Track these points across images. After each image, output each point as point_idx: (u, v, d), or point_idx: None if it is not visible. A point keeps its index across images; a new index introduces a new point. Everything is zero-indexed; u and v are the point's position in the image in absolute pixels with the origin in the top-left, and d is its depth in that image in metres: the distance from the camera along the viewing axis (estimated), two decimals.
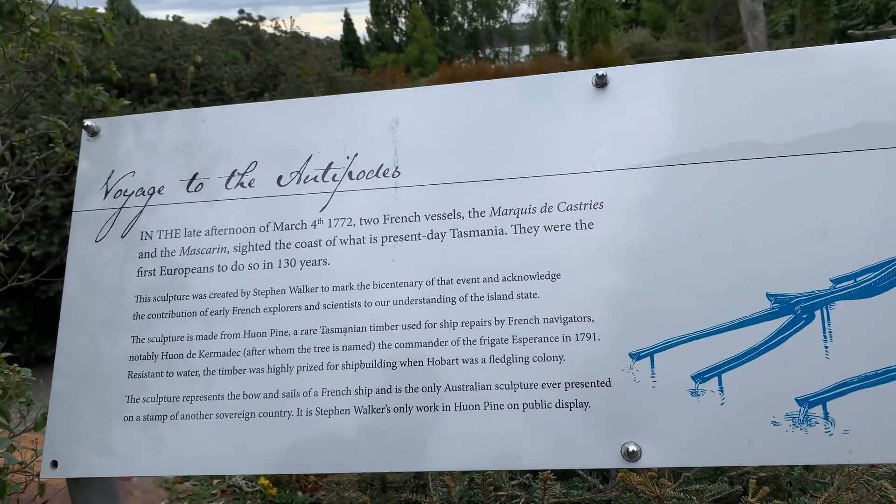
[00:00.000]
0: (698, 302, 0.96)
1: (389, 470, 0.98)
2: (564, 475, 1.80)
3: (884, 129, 0.96)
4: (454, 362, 1.00)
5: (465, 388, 0.99)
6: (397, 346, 1.01)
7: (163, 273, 1.10)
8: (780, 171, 0.98)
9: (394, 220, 1.06)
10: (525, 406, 0.97)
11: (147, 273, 1.11)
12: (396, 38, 48.37)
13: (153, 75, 7.02)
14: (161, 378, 1.06)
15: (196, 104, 7.05)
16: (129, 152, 1.16)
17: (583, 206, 1.02)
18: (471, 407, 0.98)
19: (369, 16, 48.30)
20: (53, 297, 4.91)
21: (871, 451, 0.89)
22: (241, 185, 1.12)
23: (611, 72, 1.05)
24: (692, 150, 1.01)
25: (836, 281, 0.94)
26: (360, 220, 1.07)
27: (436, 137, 1.08)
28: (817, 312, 0.93)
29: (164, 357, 1.06)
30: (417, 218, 1.06)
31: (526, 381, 0.98)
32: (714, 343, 0.95)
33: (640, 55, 22.64)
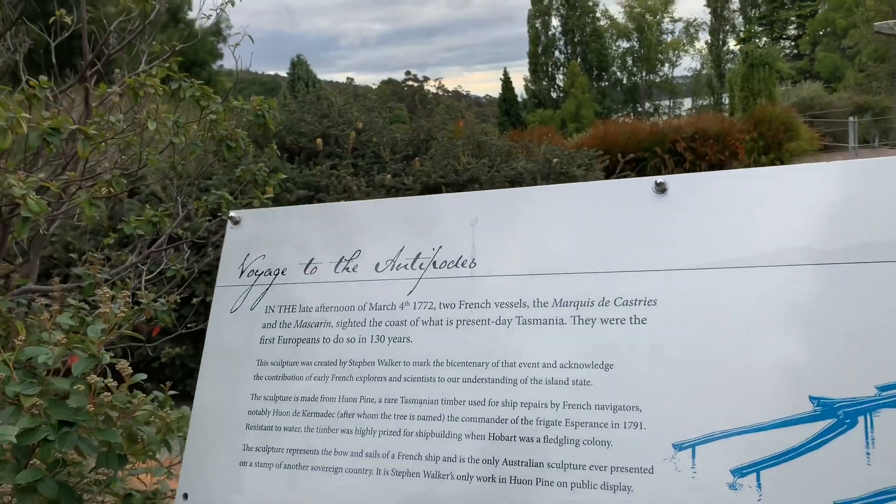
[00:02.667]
0: (742, 399, 1.02)
1: None
2: None
3: None
4: (512, 439, 1.11)
5: (519, 463, 1.10)
6: (463, 419, 1.15)
7: (280, 342, 1.32)
8: (830, 277, 1.02)
9: (468, 305, 1.21)
10: (573, 485, 1.06)
11: (268, 341, 1.33)
12: (553, 95, 49.09)
13: (319, 140, 7.74)
14: (270, 431, 1.26)
15: (355, 166, 7.67)
16: (262, 239, 1.41)
17: (637, 303, 1.11)
18: (524, 481, 1.09)
19: (527, 73, 49.55)
20: None
21: None
22: (347, 269, 1.32)
23: (669, 179, 1.15)
24: (744, 255, 1.08)
25: (882, 388, 0.96)
26: (440, 304, 1.23)
27: (509, 235, 1.22)
28: (860, 418, 0.96)
29: (274, 413, 1.27)
30: (488, 305, 1.20)
31: (576, 462, 1.07)
32: (755, 440, 1.00)
33: (810, 109, 21.37)
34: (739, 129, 16.01)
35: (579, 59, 47.90)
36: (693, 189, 1.15)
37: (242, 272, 1.40)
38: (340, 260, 1.34)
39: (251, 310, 1.37)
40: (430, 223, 1.29)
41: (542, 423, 1.10)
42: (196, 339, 5.95)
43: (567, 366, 1.12)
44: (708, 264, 1.09)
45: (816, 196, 1.06)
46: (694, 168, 14.38)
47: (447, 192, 6.85)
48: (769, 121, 16.02)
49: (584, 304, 1.14)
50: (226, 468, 1.27)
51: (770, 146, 15.47)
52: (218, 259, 4.79)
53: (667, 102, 52.92)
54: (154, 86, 2.33)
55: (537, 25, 48.24)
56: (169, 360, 5.49)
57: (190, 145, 2.55)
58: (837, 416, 0.97)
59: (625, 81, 51.44)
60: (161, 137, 2.34)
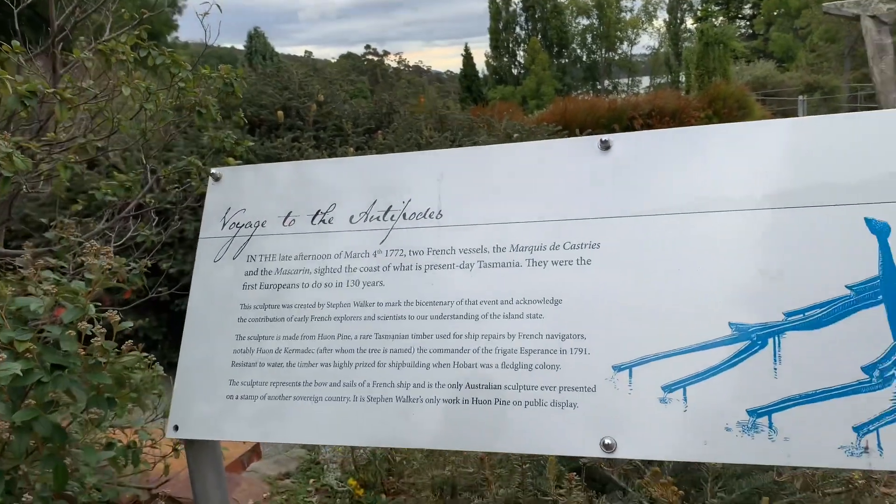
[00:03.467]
0: (672, 327, 1.18)
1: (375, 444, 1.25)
2: (603, 489, 2.00)
3: (835, 189, 1.15)
4: (474, 366, 1.26)
5: (480, 386, 1.25)
6: (431, 351, 1.29)
7: (261, 287, 1.44)
8: (747, 222, 1.19)
9: (435, 252, 1.34)
10: (526, 403, 1.22)
11: (250, 287, 1.45)
12: (514, 71, 49.15)
13: (280, 112, 7.74)
14: (255, 367, 1.39)
15: (317, 139, 7.70)
16: (241, 194, 1.52)
17: (583, 246, 1.26)
18: (484, 401, 1.24)
19: (489, 49, 49.47)
20: (186, 309, 5.56)
21: (807, 456, 1.07)
22: (323, 221, 1.44)
23: (612, 137, 1.30)
24: (675, 203, 1.23)
25: (788, 314, 1.13)
26: (410, 251, 1.36)
27: (471, 188, 1.36)
28: (770, 340, 1.13)
29: (258, 351, 1.39)
30: (453, 251, 1.34)
31: (528, 383, 1.22)
32: (682, 361, 1.16)
33: (763, 88, 21.93)
34: (695, 106, 16.37)
35: (540, 36, 47.96)
36: (635, 146, 1.30)
37: (224, 224, 1.50)
38: (317, 213, 1.46)
39: (234, 259, 1.48)
40: (400, 179, 1.42)
41: (499, 351, 1.25)
42: (158, 311, 5.96)
43: (522, 302, 1.26)
44: (645, 212, 1.24)
45: (735, 152, 1.22)
46: None
47: None
48: (723, 98, 16.42)
49: (537, 249, 1.29)
50: (214, 401, 1.39)
51: (724, 123, 15.87)
52: (182, 230, 4.85)
53: (626, 80, 53.44)
54: (126, 53, 2.39)
55: (498, 1, 48.07)
56: (132, 331, 5.50)
57: (160, 111, 2.62)
58: (751, 338, 1.13)
59: (585, 59, 51.74)
60: (133, 104, 2.41)
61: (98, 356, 1.56)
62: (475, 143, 7.67)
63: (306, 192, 1.48)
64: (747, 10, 45.42)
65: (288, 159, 6.92)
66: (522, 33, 49.48)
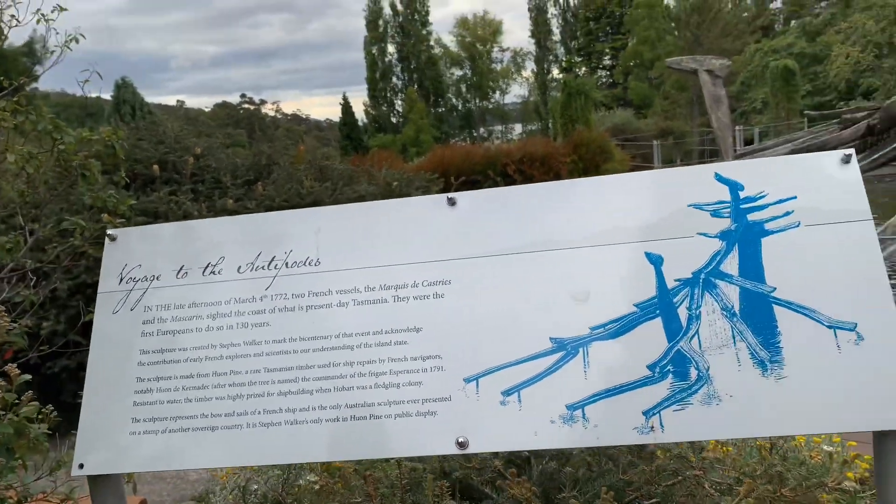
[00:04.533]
0: (508, 343, 1.47)
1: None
2: (479, 499, 2.26)
3: (626, 231, 1.50)
4: (351, 389, 1.50)
5: (356, 405, 1.49)
6: (314, 379, 1.52)
7: (158, 334, 1.62)
8: (563, 258, 1.51)
9: (314, 294, 1.58)
10: (396, 416, 1.47)
11: (148, 334, 1.62)
12: (393, 120, 50.22)
13: (156, 167, 7.69)
14: (154, 405, 1.56)
15: (195, 192, 7.70)
16: (136, 252, 1.70)
17: (438, 283, 1.54)
18: (361, 418, 1.48)
19: (367, 98, 50.34)
20: (58, 372, 5.38)
21: (611, 437, 1.39)
22: (213, 272, 1.65)
23: (458, 195, 1.60)
24: (509, 246, 1.55)
25: (593, 328, 1.46)
26: (292, 294, 1.59)
27: (345, 239, 1.62)
28: (581, 349, 1.45)
29: (157, 391, 1.57)
30: (331, 293, 1.58)
31: (397, 399, 1.48)
32: (517, 370, 1.46)
33: (622, 133, 23.76)
34: (562, 152, 17.54)
35: (416, 86, 49.39)
36: (476, 202, 1.61)
37: (122, 280, 1.67)
38: (206, 266, 1.66)
39: (131, 310, 1.65)
40: (282, 233, 1.65)
41: (372, 374, 1.50)
42: (28, 372, 5.71)
43: (390, 332, 1.52)
44: (485, 254, 1.55)
45: (554, 205, 1.55)
46: None
47: None
48: (587, 144, 17.70)
49: (401, 287, 1.56)
50: (117, 438, 1.54)
51: (588, 167, 17.09)
52: (54, 290, 4.80)
53: (500, 127, 55.83)
54: (6, 119, 2.47)
55: (374, 52, 49.20)
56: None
57: (43, 174, 2.70)
58: (566, 349, 1.45)
59: (460, 107, 53.69)
60: (16, 168, 2.49)
61: None
62: (356, 192, 7.94)
63: (197, 248, 1.68)
64: (607, 62, 48.98)
65: (165, 213, 6.89)
66: (399, 83, 50.82)
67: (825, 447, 2.62)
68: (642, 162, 21.34)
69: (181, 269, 1.66)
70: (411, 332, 1.52)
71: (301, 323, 1.57)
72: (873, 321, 1.36)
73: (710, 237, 1.47)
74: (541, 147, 17.82)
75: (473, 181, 16.63)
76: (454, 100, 53.84)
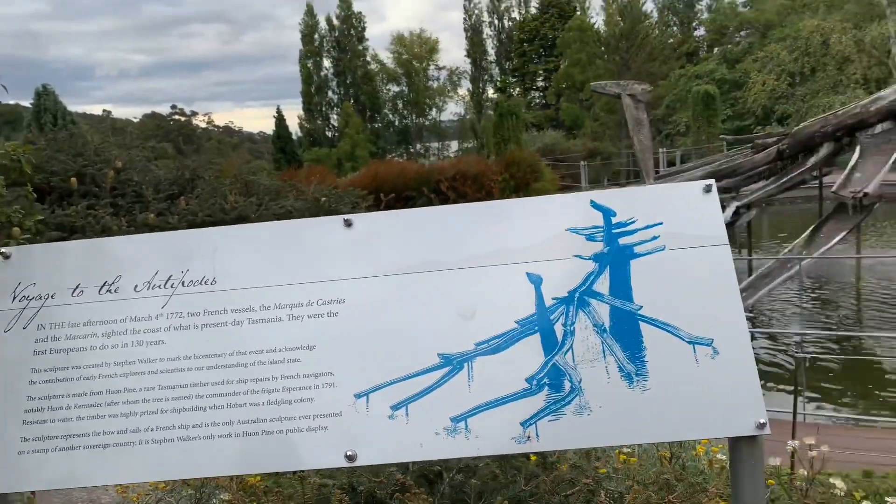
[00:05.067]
0: (398, 359, 1.54)
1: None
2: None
3: (510, 252, 1.60)
4: (244, 406, 1.54)
5: (249, 421, 1.53)
6: (207, 396, 1.55)
7: (51, 352, 1.62)
8: (451, 278, 1.60)
9: (210, 312, 1.62)
10: (287, 431, 1.51)
11: (40, 353, 1.62)
12: (329, 134, 49.92)
13: (73, 179, 7.46)
14: (45, 424, 1.55)
15: (115, 206, 7.50)
16: (31, 270, 1.69)
17: (332, 302, 1.60)
18: (253, 434, 1.52)
19: (302, 112, 49.91)
20: None
21: (491, 447, 1.47)
22: (109, 291, 1.66)
23: (354, 217, 1.67)
24: (400, 266, 1.62)
25: (478, 344, 1.54)
26: (188, 313, 1.62)
27: (240, 259, 1.66)
28: (465, 364, 1.53)
29: (48, 409, 1.56)
30: (226, 311, 1.62)
31: (290, 415, 1.52)
32: (406, 385, 1.53)
33: (552, 153, 24.35)
34: (494, 171, 17.85)
35: (352, 101, 49.29)
36: (372, 224, 1.68)
37: (14, 298, 1.67)
38: (104, 284, 1.67)
39: (24, 328, 1.64)
40: (179, 252, 1.68)
41: (265, 391, 1.54)
42: None
43: (283, 349, 1.57)
44: (378, 273, 1.62)
45: (442, 228, 1.64)
46: None
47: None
48: (518, 163, 18.07)
49: (296, 306, 1.61)
50: (6, 457, 1.53)
51: (519, 186, 17.44)
52: None
53: (437, 144, 56.22)
54: None
55: (309, 66, 48.89)
56: None
57: None
58: (453, 363, 1.53)
59: (397, 123, 53.85)
60: None
61: None
62: (282, 208, 7.89)
63: (94, 267, 1.69)
64: (541, 83, 50.09)
65: (83, 228, 6.70)
66: (335, 97, 50.62)
67: (720, 455, 2.79)
68: (571, 182, 21.92)
69: (77, 287, 1.67)
70: (305, 349, 1.57)
71: (196, 341, 1.60)
72: (727, 337, 1.50)
73: (585, 259, 1.58)
74: (474, 165, 18.09)
75: (407, 198, 16.74)
76: (391, 115, 53.98)
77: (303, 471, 2.40)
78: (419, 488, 2.12)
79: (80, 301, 1.66)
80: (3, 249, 1.71)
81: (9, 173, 2.87)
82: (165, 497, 2.98)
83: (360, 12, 49.61)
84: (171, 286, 1.65)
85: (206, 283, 1.65)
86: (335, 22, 49.10)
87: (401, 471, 2.48)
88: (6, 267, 1.70)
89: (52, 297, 1.67)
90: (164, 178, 8.06)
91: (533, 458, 2.54)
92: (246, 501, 2.57)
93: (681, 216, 1.59)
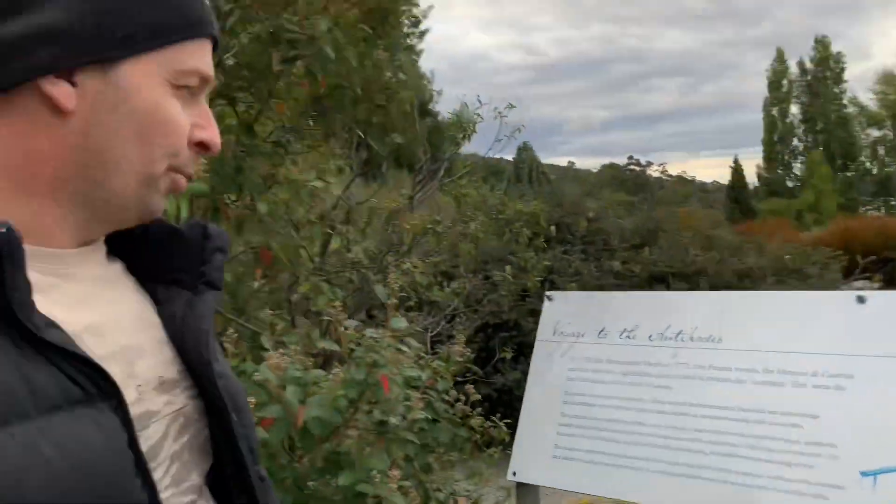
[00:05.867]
0: None
1: None
2: None
3: None
4: (738, 457, 1.68)
5: (743, 474, 1.66)
6: (704, 441, 1.74)
7: (579, 380, 2.02)
8: None
9: (715, 368, 1.81)
10: (783, 492, 1.60)
11: (571, 379, 2.03)
12: (789, 184, 46.39)
13: (553, 227, 8.58)
14: (573, 437, 1.94)
15: (585, 252, 8.37)
16: (567, 312, 2.13)
17: (839, 375, 1.65)
18: (742, 485, 1.65)
19: (761, 161, 47.48)
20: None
21: None
22: (628, 337, 1.99)
23: (867, 294, 1.68)
24: None
25: None
26: (695, 364, 1.84)
27: (744, 323, 1.82)
28: None
29: (575, 426, 1.95)
30: (730, 369, 1.79)
31: (786, 476, 1.61)
32: None
33: None
34: None
35: (821, 148, 44.88)
36: (888, 302, 1.67)
37: (555, 332, 2.12)
38: (623, 330, 2.01)
39: (561, 357, 2.08)
40: (688, 311, 1.92)
41: (763, 449, 1.66)
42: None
43: (785, 413, 1.67)
44: (890, 353, 1.60)
45: None
46: None
47: (675, 281, 7.27)
48: None
49: (800, 374, 1.69)
50: (542, 457, 1.97)
51: None
52: (472, 327, 5.65)
53: None
54: (468, 195, 3.25)
55: (774, 113, 46.27)
56: None
57: (484, 238, 3.43)
58: None
59: (874, 172, 47.04)
60: (475, 234, 3.24)
61: (458, 415, 2.24)
62: (743, 265, 7.74)
63: (615, 314, 2.04)
64: None
65: (558, 271, 7.65)
66: (800, 145, 46.83)
67: None
68: None
69: (602, 330, 2.04)
70: (807, 417, 1.64)
71: (700, 391, 1.81)
72: None
73: None
74: None
75: (886, 260, 14.52)
76: (868, 163, 47.43)
77: None
78: None
79: (604, 342, 2.03)
80: (548, 293, 2.20)
81: (531, 225, 3.59)
82: None
83: (840, 52, 45.10)
84: (681, 339, 1.89)
85: (712, 340, 1.85)
86: (808, 65, 45.59)
87: None
88: (550, 308, 2.18)
89: (582, 335, 2.07)
90: (628, 228, 8.66)
91: None
92: None
93: None
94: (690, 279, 7.33)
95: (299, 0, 2.13)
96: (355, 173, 3.69)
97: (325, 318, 2.34)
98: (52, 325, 0.65)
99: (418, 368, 2.27)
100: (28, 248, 0.63)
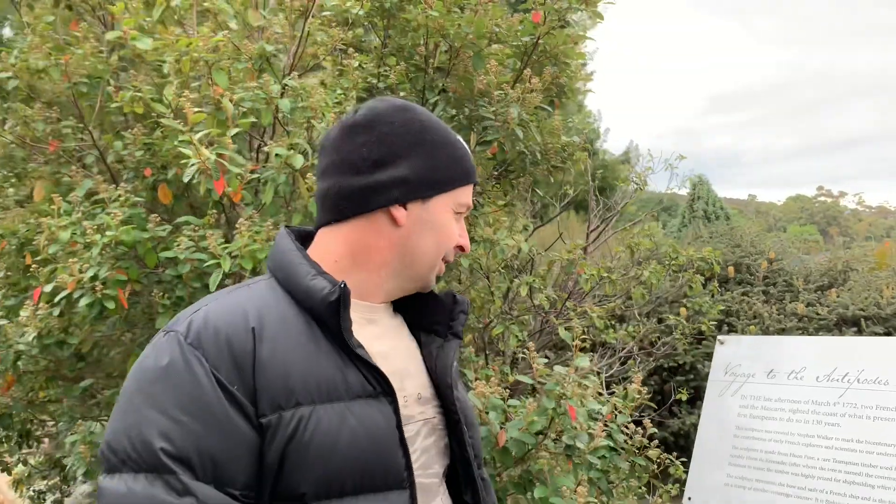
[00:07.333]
0: None
1: None
2: None
3: None
4: None
5: None
6: (875, 476, 1.89)
7: (749, 417, 2.22)
8: None
9: (881, 408, 1.96)
10: None
11: (742, 415, 2.24)
12: None
13: (731, 268, 8.41)
14: (743, 468, 2.15)
15: (766, 294, 8.11)
16: (738, 354, 2.35)
17: None
18: None
19: None
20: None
21: None
22: (796, 378, 2.18)
23: None
24: None
25: None
26: (861, 405, 2.00)
27: None
28: None
29: (746, 458, 2.16)
30: (893, 409, 1.94)
31: None
32: None
33: None
34: None
35: None
36: None
37: (726, 372, 2.35)
38: (791, 372, 2.20)
39: (731, 396, 2.30)
40: (856, 354, 2.08)
41: None
42: None
43: None
44: None
45: None
46: None
47: (866, 325, 6.86)
48: None
49: None
50: (717, 488, 2.19)
51: None
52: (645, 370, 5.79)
53: None
54: (643, 244, 3.51)
55: None
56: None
57: (659, 283, 3.66)
58: None
59: None
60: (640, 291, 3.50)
61: (636, 446, 2.52)
62: None
63: (783, 357, 2.24)
64: None
65: (737, 312, 7.50)
66: None
67: None
68: None
69: (771, 371, 2.25)
70: None
71: (867, 429, 1.96)
72: None
73: None
74: None
75: None
76: None
77: None
78: None
79: (773, 382, 2.23)
80: (720, 337, 2.43)
81: (703, 272, 3.76)
82: None
83: None
84: (848, 381, 2.06)
85: (879, 382, 2.00)
86: None
87: None
88: (721, 350, 2.41)
89: (752, 375, 2.29)
90: (815, 269, 8.28)
91: None
92: None
93: None
94: (886, 322, 6.88)
95: (493, 93, 2.58)
96: (535, 226, 4.09)
97: (520, 354, 2.72)
98: (361, 346, 1.12)
99: (598, 403, 2.58)
100: (354, 301, 1.12)
